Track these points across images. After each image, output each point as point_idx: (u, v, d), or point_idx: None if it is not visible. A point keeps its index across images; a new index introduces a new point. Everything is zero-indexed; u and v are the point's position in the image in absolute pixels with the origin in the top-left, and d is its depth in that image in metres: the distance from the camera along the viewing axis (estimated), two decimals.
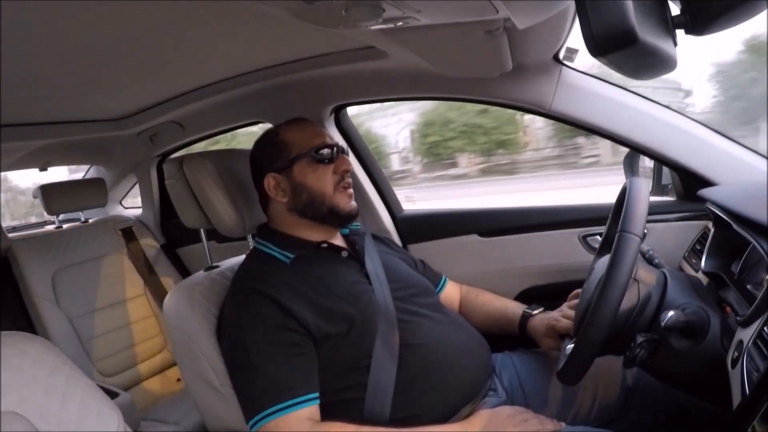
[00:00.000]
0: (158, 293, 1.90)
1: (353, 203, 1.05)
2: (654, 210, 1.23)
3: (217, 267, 1.14)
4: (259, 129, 1.73)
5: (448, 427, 0.89)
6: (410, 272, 1.14)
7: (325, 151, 1.02)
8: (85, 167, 2.22)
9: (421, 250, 1.51)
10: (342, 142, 1.50)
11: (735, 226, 0.88)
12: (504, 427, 0.86)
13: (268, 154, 1.05)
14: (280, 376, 0.86)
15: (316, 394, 0.88)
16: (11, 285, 1.68)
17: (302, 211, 1.03)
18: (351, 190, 1.05)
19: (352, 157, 1.52)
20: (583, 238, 1.33)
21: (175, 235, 2.08)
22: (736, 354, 0.72)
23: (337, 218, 1.04)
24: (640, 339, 0.80)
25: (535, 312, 1.13)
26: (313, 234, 1.04)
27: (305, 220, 1.04)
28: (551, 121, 1.28)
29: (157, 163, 2.00)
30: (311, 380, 0.89)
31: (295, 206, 1.03)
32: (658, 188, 1.32)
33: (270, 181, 1.03)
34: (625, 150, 1.27)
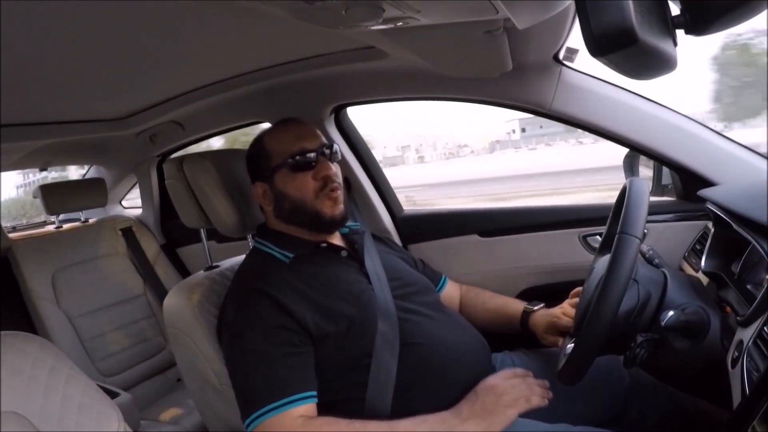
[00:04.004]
0: (158, 293, 1.89)
1: (339, 208, 1.02)
2: (654, 210, 1.22)
3: (217, 267, 1.14)
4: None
5: (438, 415, 0.88)
6: (410, 271, 1.14)
7: (305, 156, 1.00)
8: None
9: (421, 250, 1.51)
10: (342, 143, 1.51)
11: (735, 226, 0.88)
12: (490, 401, 0.86)
13: (254, 163, 1.06)
14: (275, 376, 0.87)
15: (312, 393, 0.88)
16: (11, 285, 1.68)
17: (287, 219, 1.03)
18: (337, 194, 1.01)
19: (351, 158, 1.53)
20: (583, 238, 1.33)
21: (175, 235, 2.08)
22: (736, 354, 0.72)
23: (322, 224, 1.02)
24: (640, 339, 0.80)
25: (536, 308, 1.13)
26: (309, 236, 1.04)
27: (292, 226, 1.04)
28: None
29: (157, 163, 1.99)
30: (307, 379, 0.89)
31: (280, 214, 1.03)
32: (658, 188, 1.32)
33: (258, 189, 1.05)
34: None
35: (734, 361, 0.71)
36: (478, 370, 1.00)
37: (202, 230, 1.26)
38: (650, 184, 1.32)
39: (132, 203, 2.33)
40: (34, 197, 1.87)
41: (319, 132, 1.06)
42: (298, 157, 1.00)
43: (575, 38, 1.10)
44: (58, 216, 1.90)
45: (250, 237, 1.22)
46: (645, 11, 0.47)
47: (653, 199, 1.25)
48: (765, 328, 0.67)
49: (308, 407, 0.86)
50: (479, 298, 1.24)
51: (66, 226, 1.91)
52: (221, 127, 1.73)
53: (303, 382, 0.88)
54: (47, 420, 0.70)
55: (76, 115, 1.50)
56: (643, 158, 1.30)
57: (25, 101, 1.22)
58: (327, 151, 1.03)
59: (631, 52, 0.45)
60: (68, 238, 1.82)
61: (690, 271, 1.09)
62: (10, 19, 0.71)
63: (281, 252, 1.02)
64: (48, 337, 1.59)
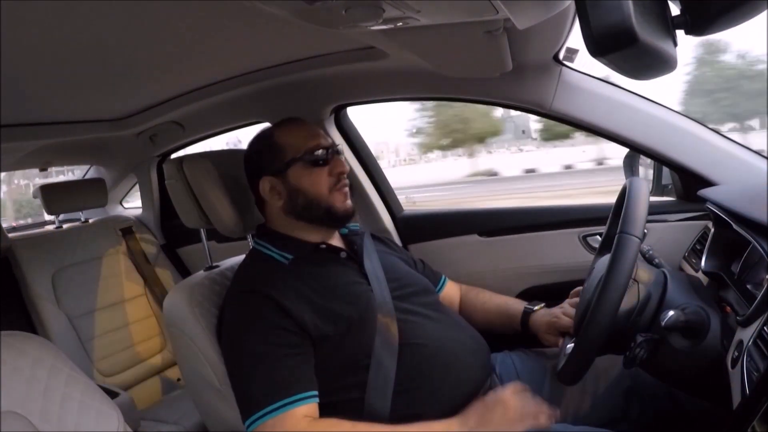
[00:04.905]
0: (158, 293, 1.90)
1: (349, 202, 1.04)
2: (654, 210, 1.23)
3: (217, 267, 1.14)
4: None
5: (444, 423, 0.88)
6: (409, 271, 1.14)
7: (320, 152, 1.01)
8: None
9: (421, 250, 1.51)
10: (342, 143, 1.51)
11: (735, 226, 0.88)
12: (498, 414, 0.86)
13: (262, 157, 1.05)
14: (276, 376, 0.86)
15: (314, 393, 0.88)
16: (11, 285, 1.68)
17: (299, 214, 1.03)
18: (346, 190, 1.04)
19: (351, 157, 1.53)
20: (583, 238, 1.33)
21: (175, 235, 2.08)
22: (736, 354, 0.72)
23: (335, 219, 1.03)
24: (640, 339, 0.80)
25: (536, 308, 1.13)
26: (311, 235, 1.04)
27: (302, 223, 1.04)
28: None
29: (157, 163, 2.00)
30: (308, 379, 0.89)
31: (292, 209, 1.03)
32: (658, 188, 1.32)
33: (265, 184, 1.03)
34: None
35: (734, 361, 0.71)
36: (477, 370, 1.00)
37: (202, 230, 1.26)
38: (650, 184, 1.32)
39: (130, 203, 2.33)
40: (34, 197, 1.87)
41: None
42: (316, 153, 1.01)
43: (575, 38, 1.11)
44: (58, 216, 1.90)
45: (249, 237, 1.22)
46: (645, 11, 0.47)
47: (653, 199, 1.25)
48: (765, 328, 0.67)
49: (310, 407, 0.86)
50: (479, 298, 1.24)
51: (66, 226, 1.91)
52: (221, 127, 1.73)
53: (304, 383, 0.88)
54: (47, 420, 0.70)
55: (76, 115, 1.50)
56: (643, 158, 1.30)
57: (25, 101, 1.22)
58: (336, 150, 1.05)
59: (631, 52, 0.45)
60: (68, 238, 1.81)
61: (690, 271, 1.09)
62: (10, 19, 0.71)
63: (280, 253, 1.02)
64: (48, 337, 1.59)
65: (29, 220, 2.20)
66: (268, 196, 1.03)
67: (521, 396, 0.89)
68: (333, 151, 1.03)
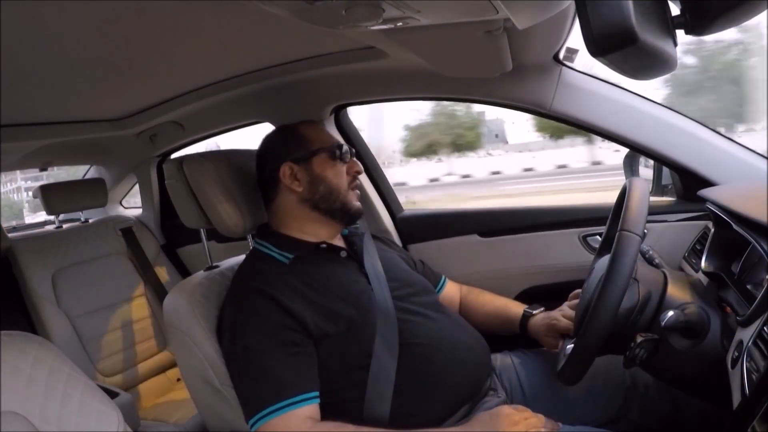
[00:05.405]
0: (158, 293, 1.89)
1: (359, 203, 1.08)
2: (654, 210, 1.23)
3: (217, 267, 1.14)
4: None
5: (449, 430, 0.89)
6: (409, 271, 1.14)
7: (345, 149, 1.06)
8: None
9: (421, 250, 1.51)
10: (342, 143, 1.51)
11: (735, 226, 0.88)
12: (504, 427, 0.86)
13: (286, 145, 1.07)
14: (279, 375, 0.87)
15: (316, 393, 0.88)
16: (11, 285, 1.68)
17: (315, 203, 1.04)
18: (358, 191, 1.09)
19: None
20: (583, 238, 1.33)
21: (175, 235, 2.08)
22: (736, 354, 0.72)
23: (347, 215, 1.06)
24: (640, 339, 0.80)
25: (536, 312, 1.13)
26: (315, 231, 1.05)
27: (315, 213, 1.04)
28: None
29: (157, 163, 2.00)
30: (311, 379, 0.89)
31: (311, 197, 1.04)
32: (658, 188, 1.32)
33: (286, 169, 1.04)
34: None
35: (734, 361, 0.71)
36: (477, 370, 1.01)
37: (202, 230, 1.26)
38: (650, 184, 1.32)
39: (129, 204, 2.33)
40: (34, 197, 1.87)
41: None
42: (341, 149, 1.06)
43: (575, 38, 1.11)
44: (58, 216, 1.90)
45: (250, 237, 1.22)
46: (645, 11, 0.47)
47: (653, 199, 1.25)
48: (765, 328, 0.67)
49: (312, 408, 0.87)
50: (479, 299, 1.24)
51: (66, 226, 1.91)
52: (221, 127, 1.73)
53: (307, 383, 0.88)
54: (47, 420, 0.70)
55: (76, 115, 1.50)
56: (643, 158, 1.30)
57: (25, 101, 1.22)
58: (352, 152, 1.10)
59: (631, 52, 0.45)
60: (68, 238, 1.81)
61: (690, 271, 1.09)
62: (10, 18, 0.71)
63: (281, 253, 1.02)
64: (48, 337, 1.59)
65: (14, 223, 2.19)
66: (288, 181, 1.04)
67: (526, 413, 0.89)
68: (352, 152, 1.08)
